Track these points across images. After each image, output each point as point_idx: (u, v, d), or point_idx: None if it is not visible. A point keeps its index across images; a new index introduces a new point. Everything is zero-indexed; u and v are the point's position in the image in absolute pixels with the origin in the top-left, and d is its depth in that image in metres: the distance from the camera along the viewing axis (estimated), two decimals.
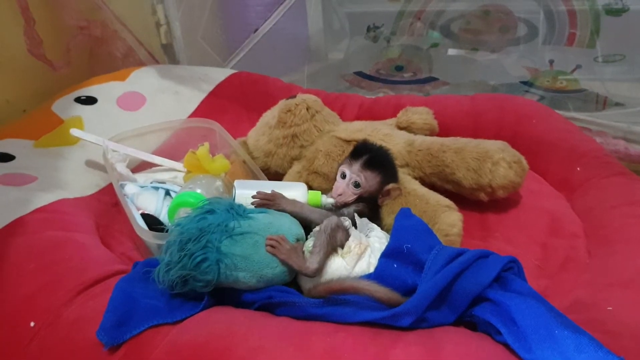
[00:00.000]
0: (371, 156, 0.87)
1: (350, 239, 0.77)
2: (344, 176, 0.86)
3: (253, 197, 0.81)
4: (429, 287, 0.66)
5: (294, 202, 0.83)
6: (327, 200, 0.88)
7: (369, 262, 0.75)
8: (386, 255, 0.74)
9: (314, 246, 0.75)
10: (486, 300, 0.67)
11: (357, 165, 0.86)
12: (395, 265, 0.72)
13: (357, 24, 2.00)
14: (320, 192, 0.89)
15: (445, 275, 0.67)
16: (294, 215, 0.81)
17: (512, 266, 0.72)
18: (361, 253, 0.75)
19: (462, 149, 1.00)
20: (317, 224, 0.80)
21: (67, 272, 0.75)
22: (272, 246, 0.72)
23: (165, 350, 0.62)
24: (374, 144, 0.91)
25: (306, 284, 0.75)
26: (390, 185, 0.87)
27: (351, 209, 0.86)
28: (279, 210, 0.80)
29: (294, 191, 0.87)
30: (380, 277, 0.71)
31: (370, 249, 0.76)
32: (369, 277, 0.72)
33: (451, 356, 0.58)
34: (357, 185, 0.85)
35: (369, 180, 0.86)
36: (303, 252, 0.76)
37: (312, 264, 0.73)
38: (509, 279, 0.69)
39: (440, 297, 0.67)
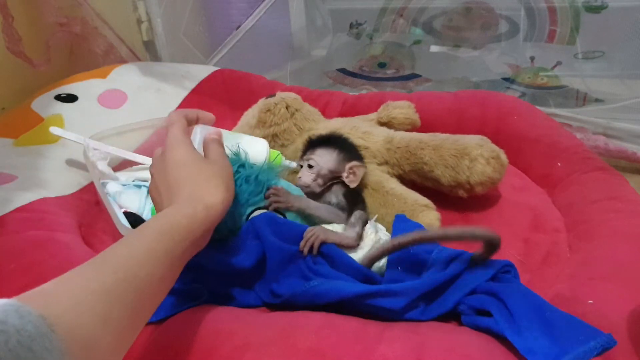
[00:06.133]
0: (320, 138, 0.90)
1: (367, 226, 0.78)
2: (301, 167, 0.89)
3: (266, 196, 0.80)
4: (431, 279, 0.69)
5: (300, 199, 0.82)
6: (287, 162, 0.90)
7: None
8: (391, 259, 0.75)
9: (349, 222, 0.78)
10: (477, 293, 0.69)
11: (309, 151, 0.89)
12: (399, 268, 0.73)
13: (340, 21, 2.00)
14: (279, 152, 0.90)
15: (448, 273, 0.69)
16: (301, 211, 0.81)
17: (508, 270, 0.73)
18: (376, 241, 0.77)
19: (440, 146, 0.99)
20: (322, 221, 0.81)
21: (49, 272, 0.74)
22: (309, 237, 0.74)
23: (147, 350, 0.62)
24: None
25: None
26: (353, 163, 0.86)
27: (339, 196, 0.86)
28: (287, 209, 0.80)
29: (256, 146, 0.87)
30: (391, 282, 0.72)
31: (382, 241, 0.77)
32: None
33: (436, 351, 0.58)
34: (310, 166, 0.87)
35: (322, 156, 0.87)
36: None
37: (351, 234, 0.76)
38: (504, 278, 0.71)
39: (437, 289, 0.69)
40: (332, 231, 0.75)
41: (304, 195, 0.87)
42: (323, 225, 0.79)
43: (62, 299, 0.42)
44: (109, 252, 0.50)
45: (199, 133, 0.78)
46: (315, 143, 0.90)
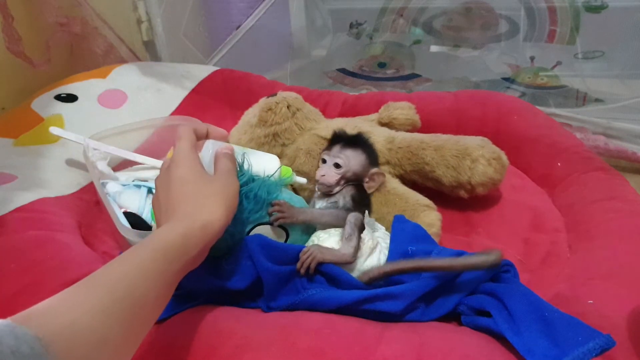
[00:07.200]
0: (350, 137, 0.88)
1: (364, 232, 0.76)
2: (324, 162, 0.87)
3: (269, 212, 0.77)
4: (430, 280, 0.68)
5: (304, 211, 0.80)
6: (299, 179, 0.88)
7: (379, 259, 0.75)
8: (390, 259, 0.75)
9: (345, 233, 0.75)
10: (477, 293, 0.69)
11: (336, 148, 0.86)
12: None
13: (340, 21, 2.00)
14: (291, 169, 0.88)
15: (448, 274, 0.69)
16: (307, 223, 0.80)
17: (508, 269, 0.73)
18: (373, 247, 0.75)
19: (441, 147, 1.00)
20: (330, 226, 0.79)
21: (49, 272, 0.74)
22: (305, 258, 0.72)
23: (147, 350, 0.62)
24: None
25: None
26: (374, 170, 0.85)
27: (347, 197, 0.84)
28: (292, 222, 0.78)
29: (267, 162, 0.85)
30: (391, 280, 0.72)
31: (380, 246, 0.76)
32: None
33: (436, 351, 0.58)
34: (337, 165, 0.85)
35: (351, 158, 0.85)
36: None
37: (347, 249, 0.73)
38: (504, 278, 0.71)
39: (437, 291, 0.69)
40: (328, 249, 0.73)
41: (307, 204, 0.86)
42: (320, 237, 0.78)
43: (58, 319, 0.42)
44: (103, 271, 0.50)
45: (211, 149, 0.77)
46: (343, 140, 0.88)
